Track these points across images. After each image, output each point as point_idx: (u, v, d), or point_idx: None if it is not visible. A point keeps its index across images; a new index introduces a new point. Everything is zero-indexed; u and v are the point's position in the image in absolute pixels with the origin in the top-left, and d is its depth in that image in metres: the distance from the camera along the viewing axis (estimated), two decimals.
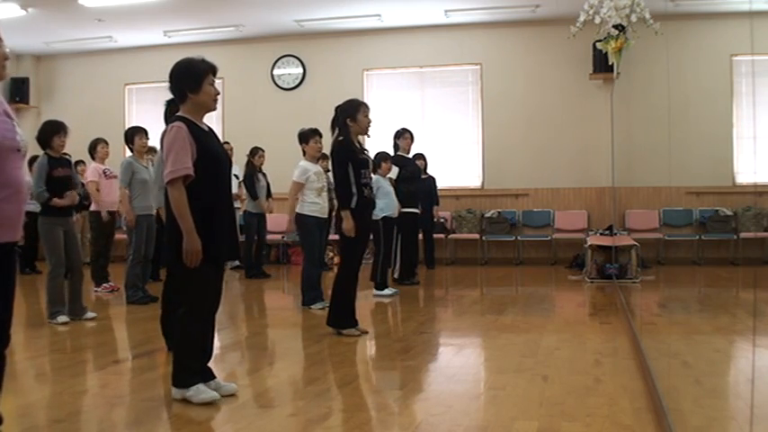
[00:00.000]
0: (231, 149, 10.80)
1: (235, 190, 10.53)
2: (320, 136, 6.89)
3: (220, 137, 13.02)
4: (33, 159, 10.73)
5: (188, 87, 3.69)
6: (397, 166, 8.42)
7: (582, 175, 11.49)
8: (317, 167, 6.93)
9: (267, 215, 10.21)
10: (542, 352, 4.85)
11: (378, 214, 7.52)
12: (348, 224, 5.36)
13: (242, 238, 10.42)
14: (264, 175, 10.13)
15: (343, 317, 5.50)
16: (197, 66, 3.73)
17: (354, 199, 5.39)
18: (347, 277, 5.52)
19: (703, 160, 10.71)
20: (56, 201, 6.11)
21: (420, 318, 6.69)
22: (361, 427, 3.28)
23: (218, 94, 3.81)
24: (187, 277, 3.64)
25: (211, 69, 3.76)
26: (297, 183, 6.82)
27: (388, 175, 8.23)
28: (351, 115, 5.45)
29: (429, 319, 6.66)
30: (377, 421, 3.45)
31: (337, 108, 5.55)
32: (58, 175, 6.17)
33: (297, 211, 6.91)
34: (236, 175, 10.64)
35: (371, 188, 5.60)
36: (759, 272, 10.70)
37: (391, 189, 8.07)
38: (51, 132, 6.18)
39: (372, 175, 7.48)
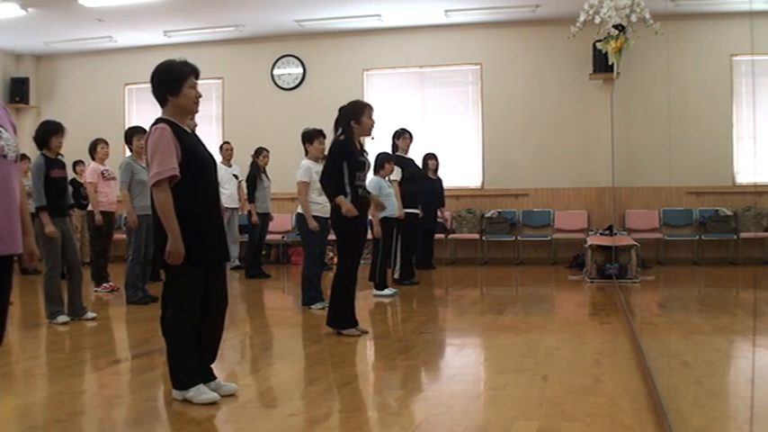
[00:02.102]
0: (231, 149, 10.81)
1: (234, 190, 10.52)
2: (324, 137, 6.88)
3: (220, 137, 13.18)
4: (23, 158, 10.73)
5: (168, 90, 3.66)
6: (397, 166, 8.41)
7: (582, 175, 11.49)
8: (320, 167, 6.91)
9: (270, 215, 10.19)
10: (542, 352, 4.85)
11: (377, 215, 7.52)
12: (345, 207, 5.33)
13: (244, 237, 10.47)
14: (268, 177, 10.11)
15: (342, 317, 5.50)
16: (177, 68, 3.69)
17: (348, 198, 5.40)
18: (345, 277, 5.51)
19: (703, 160, 10.71)
20: (46, 221, 5.96)
21: (420, 318, 6.69)
22: (361, 427, 3.28)
23: (200, 96, 3.75)
24: (173, 279, 3.63)
25: (193, 72, 3.71)
26: (303, 182, 6.80)
27: (392, 177, 8.22)
28: (355, 117, 5.46)
29: (429, 319, 6.66)
30: (377, 421, 3.45)
31: (341, 109, 5.55)
32: (55, 176, 6.16)
33: (299, 210, 6.91)
34: (235, 175, 10.63)
35: (365, 189, 5.58)
36: (759, 272, 10.70)
37: (392, 190, 8.06)
38: (50, 133, 6.17)
39: (372, 176, 7.51)
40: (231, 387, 3.80)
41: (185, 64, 3.71)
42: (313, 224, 6.72)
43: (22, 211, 2.88)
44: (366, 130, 5.49)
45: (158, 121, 3.68)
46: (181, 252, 3.54)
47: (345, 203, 5.35)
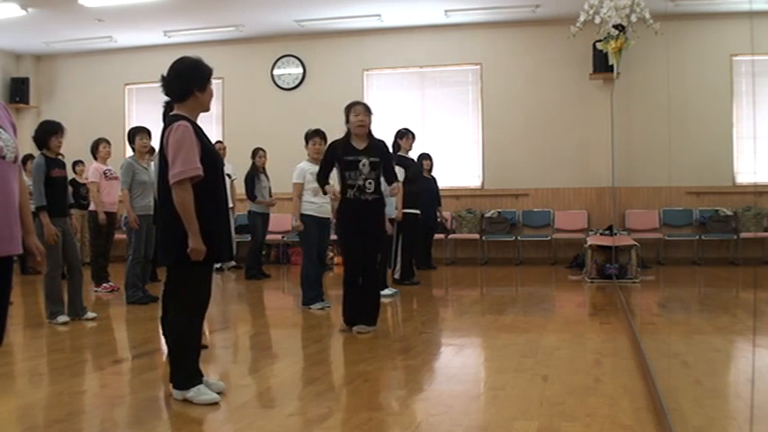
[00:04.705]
0: (224, 148, 10.81)
1: (228, 189, 10.51)
2: (321, 137, 6.88)
3: (220, 137, 13.17)
4: (27, 158, 10.76)
5: (197, 86, 3.68)
6: (399, 166, 8.39)
7: (582, 175, 11.49)
8: (315, 168, 6.89)
9: (269, 215, 10.20)
10: (542, 352, 4.85)
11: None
12: (329, 191, 5.97)
13: (246, 237, 10.45)
14: (267, 176, 10.12)
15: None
16: (205, 66, 3.75)
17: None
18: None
19: (703, 160, 10.70)
20: (46, 221, 5.92)
21: (420, 318, 6.69)
22: (360, 427, 3.28)
23: (212, 95, 3.84)
24: (182, 279, 3.62)
25: (211, 71, 3.80)
26: (297, 183, 6.85)
27: None
28: (346, 117, 5.61)
29: (429, 319, 6.66)
30: (377, 421, 3.44)
31: None
32: (55, 175, 6.16)
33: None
34: (228, 175, 10.61)
35: (362, 189, 5.55)
36: (759, 272, 10.70)
37: None
38: (50, 133, 6.16)
39: None
40: (219, 385, 3.80)
41: (206, 63, 3.77)
42: (297, 223, 6.77)
43: (22, 209, 2.88)
44: (353, 128, 5.56)
45: (178, 117, 3.65)
46: (202, 250, 3.53)
47: (329, 189, 5.88)
